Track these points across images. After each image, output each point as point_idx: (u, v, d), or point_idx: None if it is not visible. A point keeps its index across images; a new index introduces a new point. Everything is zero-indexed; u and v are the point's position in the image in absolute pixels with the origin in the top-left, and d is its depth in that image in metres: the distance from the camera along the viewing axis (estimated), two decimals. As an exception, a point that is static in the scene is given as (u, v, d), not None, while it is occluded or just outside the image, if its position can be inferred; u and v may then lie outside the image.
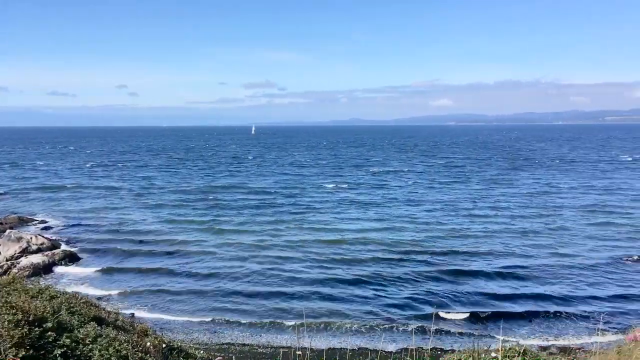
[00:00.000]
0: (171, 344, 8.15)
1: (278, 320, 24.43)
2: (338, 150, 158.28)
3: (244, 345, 22.06)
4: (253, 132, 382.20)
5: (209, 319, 24.86)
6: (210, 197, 58.66)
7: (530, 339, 22.12)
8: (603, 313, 24.72)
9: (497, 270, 31.28)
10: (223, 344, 22.15)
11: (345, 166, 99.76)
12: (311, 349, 18.93)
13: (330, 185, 68.64)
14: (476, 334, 22.14)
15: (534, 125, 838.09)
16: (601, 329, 22.83)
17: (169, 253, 35.91)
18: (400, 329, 23.32)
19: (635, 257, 33.51)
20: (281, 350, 20.57)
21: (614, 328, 22.16)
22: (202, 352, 9.65)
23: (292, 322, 23.61)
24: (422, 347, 19.50)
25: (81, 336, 5.76)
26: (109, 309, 9.19)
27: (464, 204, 52.90)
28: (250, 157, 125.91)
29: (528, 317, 24.89)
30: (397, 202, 54.64)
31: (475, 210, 49.49)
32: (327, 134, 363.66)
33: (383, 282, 29.13)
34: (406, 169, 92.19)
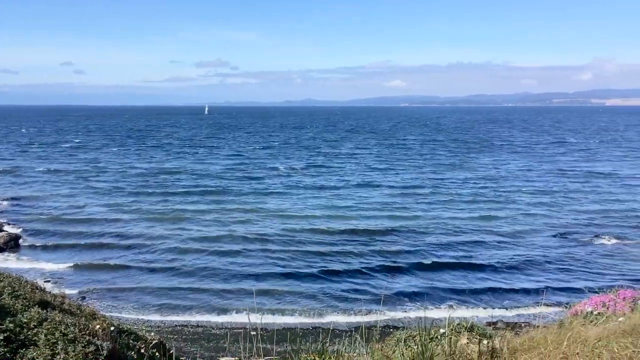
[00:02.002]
0: (121, 327, 8.01)
1: (233, 302, 24.36)
2: (292, 131, 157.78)
3: (197, 326, 21.96)
4: (207, 112, 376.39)
5: (162, 301, 24.57)
6: (161, 180, 57.23)
7: (478, 313, 22.78)
8: (547, 289, 25.72)
9: (449, 250, 32.02)
10: (176, 325, 22.00)
11: (299, 148, 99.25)
12: (265, 328, 19.00)
13: (284, 167, 68.25)
14: (427, 311, 22.70)
15: (484, 107, 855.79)
16: (544, 304, 23.75)
17: (119, 235, 35.20)
18: (355, 309, 23.59)
19: (579, 237, 34.85)
20: (235, 330, 20.60)
21: (558, 303, 23.02)
22: (153, 334, 9.52)
23: (246, 304, 23.57)
24: (373, 326, 19.86)
25: (25, 320, 5.58)
26: (55, 293, 8.95)
27: (418, 187, 53.46)
28: (203, 138, 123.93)
29: (476, 294, 25.67)
30: (351, 185, 54.66)
31: (430, 192, 50.15)
32: (281, 115, 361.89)
33: (337, 265, 29.33)
34: (360, 151, 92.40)
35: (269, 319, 21.92)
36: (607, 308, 9.97)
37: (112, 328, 7.36)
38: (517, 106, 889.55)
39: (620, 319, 8.58)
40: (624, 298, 10.37)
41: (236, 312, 23.06)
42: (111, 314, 17.44)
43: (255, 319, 18.26)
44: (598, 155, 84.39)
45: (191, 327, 21.80)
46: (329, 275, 27.78)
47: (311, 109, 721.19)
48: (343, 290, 25.75)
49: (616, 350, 4.81)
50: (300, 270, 28.36)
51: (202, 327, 21.92)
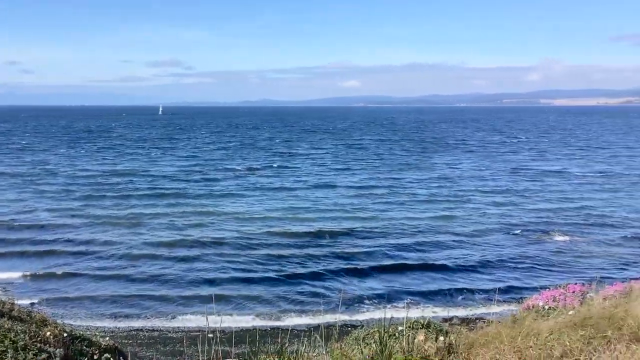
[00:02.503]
0: (73, 333, 7.79)
1: (190, 307, 24.01)
2: (248, 131, 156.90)
3: (153, 330, 21.55)
4: (160, 112, 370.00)
5: (117, 309, 23.94)
6: (113, 183, 55.65)
7: (435, 311, 23.14)
8: (501, 285, 26.40)
9: (406, 250, 32.37)
10: (131, 330, 21.52)
11: (256, 148, 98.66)
12: (223, 331, 18.81)
13: (241, 169, 67.61)
14: (385, 310, 22.90)
15: (438, 107, 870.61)
16: (499, 300, 24.32)
17: (70, 241, 33.94)
18: (314, 309, 23.57)
19: (531, 234, 35.84)
20: (193, 333, 20.32)
21: (512, 299, 23.55)
22: (107, 339, 9.28)
23: (204, 309, 23.23)
24: (332, 326, 19.93)
25: (-29, 329, 5.36)
26: (3, 299, 8.62)
27: (375, 187, 53.66)
28: (157, 139, 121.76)
29: (434, 292, 26.10)
30: (309, 186, 54.47)
31: (387, 193, 50.40)
32: (237, 115, 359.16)
33: (296, 268, 29.21)
34: (316, 151, 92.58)
35: (227, 322, 21.70)
36: (558, 302, 10.30)
37: (64, 334, 7.16)
38: (470, 106, 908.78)
39: (571, 312, 8.87)
40: (574, 292, 10.73)
41: (193, 316, 22.75)
42: (63, 320, 16.93)
43: (213, 322, 18.05)
44: (548, 154, 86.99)
45: (147, 332, 21.37)
46: (287, 278, 27.59)
47: (268, 109, 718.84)
48: (302, 293, 25.71)
49: (567, 343, 4.97)
50: (258, 274, 28.04)
51: (158, 331, 21.52)
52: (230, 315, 22.94)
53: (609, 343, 5.35)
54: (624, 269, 28.41)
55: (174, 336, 20.78)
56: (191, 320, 22.41)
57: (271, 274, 28.03)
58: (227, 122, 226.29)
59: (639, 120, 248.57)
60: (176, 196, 48.65)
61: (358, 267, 29.20)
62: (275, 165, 71.72)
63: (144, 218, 39.88)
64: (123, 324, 22.20)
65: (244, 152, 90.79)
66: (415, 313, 21.94)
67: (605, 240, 34.39)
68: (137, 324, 22.31)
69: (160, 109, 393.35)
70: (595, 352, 5.07)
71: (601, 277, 22.48)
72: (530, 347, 4.82)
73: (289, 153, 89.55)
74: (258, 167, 69.74)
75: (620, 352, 5.07)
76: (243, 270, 28.73)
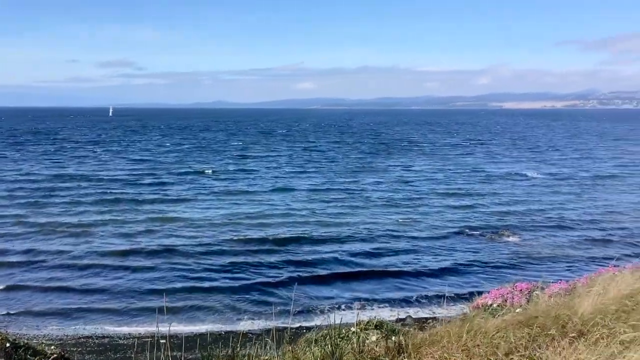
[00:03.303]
0: (17, 342, 7.51)
1: (141, 313, 23.51)
2: (202, 134, 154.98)
3: (103, 337, 21.00)
4: (111, 113, 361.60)
5: (65, 317, 23.21)
6: (60, 188, 53.50)
7: (389, 313, 23.38)
8: (455, 285, 26.98)
9: (361, 253, 32.55)
10: (80, 337, 20.90)
11: (210, 151, 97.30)
12: (175, 336, 18.52)
13: (194, 172, 66.49)
14: (338, 311, 23.02)
15: (392, 109, 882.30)
16: (450, 299, 24.78)
17: (12, 251, 32.42)
18: (267, 313, 23.42)
19: (484, 236, 36.71)
20: (144, 339, 19.90)
21: (464, 298, 23.99)
22: (53, 347, 8.99)
23: (155, 314, 22.71)
24: (286, 327, 19.89)
25: None
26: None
27: (332, 191, 53.40)
28: (108, 141, 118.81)
29: (388, 293, 26.41)
30: (264, 190, 53.71)
31: (344, 197, 50.21)
32: (190, 116, 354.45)
33: (250, 275, 28.90)
34: (271, 154, 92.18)
35: (178, 328, 21.39)
36: (506, 300, 10.61)
37: (7, 344, 6.92)
38: (422, 109, 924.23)
39: (518, 309, 9.12)
40: (521, 290, 11.07)
41: (144, 323, 22.27)
42: (7, 330, 16.31)
43: (165, 328, 17.74)
44: (500, 157, 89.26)
45: (96, 339, 20.80)
46: (241, 284, 27.14)
47: (221, 110, 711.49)
48: (255, 299, 25.41)
49: (513, 341, 5.11)
50: (212, 282, 27.34)
51: (108, 337, 20.98)
52: (183, 321, 22.61)
53: (553, 340, 5.53)
54: (570, 268, 29.38)
55: (125, 343, 20.30)
56: (143, 327, 21.94)
57: (225, 281, 27.55)
58: (180, 124, 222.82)
59: (584, 122, 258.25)
60: (127, 202, 47.04)
61: (313, 272, 29.00)
62: (230, 169, 70.90)
63: (94, 225, 38.37)
64: (71, 332, 21.55)
65: (198, 155, 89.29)
66: (370, 315, 22.11)
67: (554, 241, 35.52)
68: (86, 331, 21.69)
69: (111, 110, 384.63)
70: (539, 348, 5.23)
71: (548, 276, 23.25)
72: (477, 345, 4.94)
73: (244, 156, 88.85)
74: (212, 170, 68.55)
75: (564, 349, 5.24)
76: (196, 278, 27.89)
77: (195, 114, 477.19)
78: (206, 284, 27.18)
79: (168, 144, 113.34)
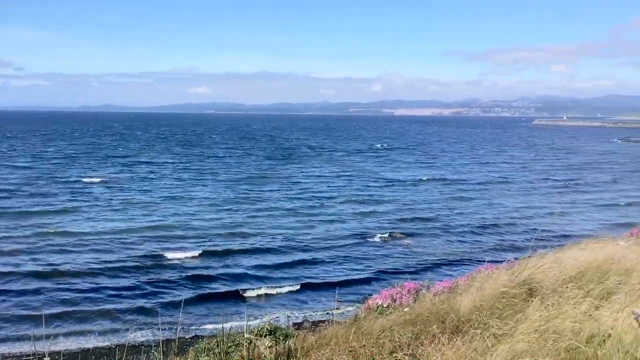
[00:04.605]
0: None
1: (23, 328, 21.93)
2: (90, 139, 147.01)
3: (-24, 361, 19.39)
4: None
5: None
6: None
7: (285, 317, 23.50)
8: (349, 287, 27.68)
9: (257, 259, 32.59)
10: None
11: (98, 158, 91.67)
12: (59, 353, 17.47)
13: (81, 181, 62.20)
14: (236, 318, 22.78)
15: (289, 115, 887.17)
16: (346, 302, 25.35)
17: None
18: (159, 323, 22.58)
19: (378, 238, 37.98)
20: (25, 357, 18.62)
21: (357, 300, 24.56)
22: None
23: (40, 329, 21.17)
24: (182, 337, 19.42)
25: None
26: None
27: (231, 200, 52.03)
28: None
29: (285, 298, 26.62)
30: (158, 200, 50.99)
31: (240, 206, 48.89)
32: (78, 120, 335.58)
33: (143, 282, 27.96)
34: (165, 161, 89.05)
35: (63, 345, 20.20)
36: (395, 300, 11.03)
37: None
38: (319, 114, 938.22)
39: (406, 309, 9.51)
40: (409, 290, 11.56)
41: (29, 339, 20.73)
42: None
43: (45, 347, 16.67)
44: (393, 162, 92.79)
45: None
46: (127, 299, 25.98)
47: (111, 114, 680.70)
48: (146, 314, 24.52)
49: (397, 339, 5.35)
50: (101, 303, 25.59)
51: (-18, 361, 19.40)
52: (67, 336, 21.36)
53: (434, 336, 5.84)
54: (458, 267, 31.06)
55: (3, 364, 18.88)
56: (21, 346, 20.42)
57: (115, 299, 25.93)
58: (66, 128, 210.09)
59: (471, 129, 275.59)
60: (5, 215, 42.60)
61: (209, 286, 28.22)
62: (121, 176, 67.53)
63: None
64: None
65: (85, 162, 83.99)
66: (267, 320, 22.07)
67: (444, 242, 37.56)
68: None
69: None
70: (422, 345, 5.51)
71: (435, 276, 24.41)
72: (364, 345, 5.13)
73: (136, 162, 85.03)
74: (101, 178, 64.64)
75: (444, 344, 5.56)
76: (84, 298, 26.01)
77: (82, 117, 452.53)
78: (94, 303, 25.44)
79: (53, 150, 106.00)
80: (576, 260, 9.41)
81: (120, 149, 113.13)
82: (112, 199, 50.90)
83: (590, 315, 6.58)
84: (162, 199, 51.98)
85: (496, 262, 14.25)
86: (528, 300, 6.95)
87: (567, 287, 7.65)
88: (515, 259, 12.23)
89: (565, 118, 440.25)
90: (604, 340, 5.79)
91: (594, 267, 8.70)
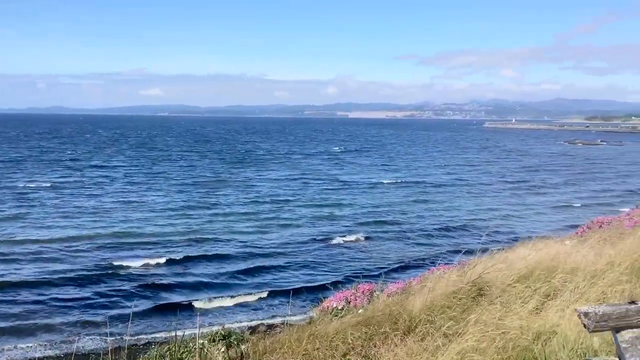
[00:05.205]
0: None
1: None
2: (37, 142, 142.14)
3: None
4: None
5: None
6: None
7: (239, 323, 23.29)
8: (306, 291, 27.63)
9: (214, 265, 32.16)
10: None
11: (44, 161, 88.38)
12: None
13: (24, 185, 59.86)
14: (190, 325, 22.44)
15: (244, 117, 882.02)
16: (302, 305, 25.31)
17: None
18: (104, 331, 21.99)
19: (336, 240, 38.18)
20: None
21: (313, 303, 24.49)
22: None
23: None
24: (135, 345, 19.01)
25: None
26: None
27: (185, 204, 50.95)
28: None
29: (240, 302, 26.44)
30: (105, 207, 48.39)
31: (198, 211, 47.74)
32: (23, 123, 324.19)
33: (94, 293, 27.09)
34: (115, 164, 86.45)
35: (6, 356, 19.47)
36: (349, 302, 11.09)
37: None
38: (274, 117, 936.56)
39: (360, 310, 9.59)
40: (363, 292, 11.64)
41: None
42: None
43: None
44: (350, 165, 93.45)
45: None
46: (76, 308, 25.24)
47: (60, 116, 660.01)
48: (91, 317, 23.95)
49: (350, 341, 5.39)
50: (44, 318, 24.27)
51: None
52: (12, 351, 20.56)
53: (387, 337, 5.91)
54: (410, 268, 31.47)
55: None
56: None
57: (60, 310, 24.84)
58: (10, 131, 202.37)
59: (423, 132, 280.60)
60: None
61: (162, 295, 27.49)
62: (70, 180, 65.46)
63: None
64: None
65: (31, 166, 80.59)
66: (222, 323, 21.83)
67: (400, 243, 38.03)
68: None
69: None
70: (374, 347, 5.57)
71: (390, 277, 24.67)
72: (317, 348, 5.15)
73: (86, 166, 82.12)
74: (45, 183, 61.93)
75: (396, 345, 5.63)
76: (27, 312, 24.64)
77: (29, 119, 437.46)
78: (41, 315, 24.31)
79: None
80: (524, 260, 9.69)
81: (70, 152, 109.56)
82: (61, 205, 48.83)
83: (537, 313, 6.79)
84: (114, 204, 50.21)
85: (449, 263, 14.55)
86: (478, 300, 7.12)
87: (515, 286, 7.87)
88: (467, 259, 12.49)
89: (514, 121, 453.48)
90: (550, 337, 5.98)
91: (541, 267, 8.97)
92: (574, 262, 9.42)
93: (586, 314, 4.25)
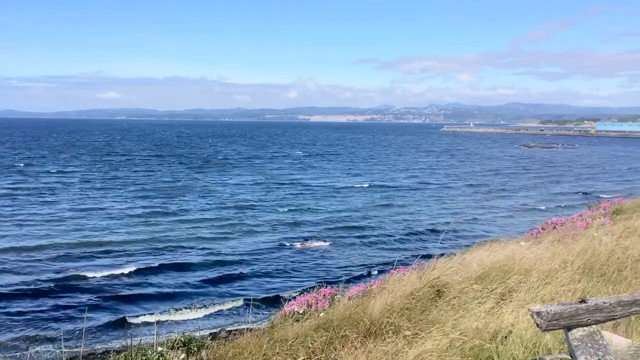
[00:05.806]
0: None
1: None
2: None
3: None
4: None
5: None
6: None
7: (203, 328, 23.00)
8: (269, 295, 27.50)
9: (176, 277, 31.63)
10: None
11: None
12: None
13: None
14: (149, 333, 22.06)
15: (203, 121, 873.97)
16: (262, 309, 25.22)
17: None
18: (60, 345, 21.32)
19: (297, 244, 38.12)
20: None
21: (275, 307, 24.43)
22: None
23: None
24: (92, 354, 18.57)
25: None
26: None
27: (144, 209, 49.93)
28: None
29: (201, 308, 26.04)
30: (63, 216, 46.27)
31: (158, 217, 46.58)
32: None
33: (50, 306, 26.24)
34: (72, 170, 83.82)
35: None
36: (311, 306, 11.10)
37: None
38: (234, 121, 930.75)
39: (322, 314, 9.61)
40: (325, 295, 11.67)
41: None
42: None
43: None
44: (312, 168, 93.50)
45: None
46: (28, 331, 24.53)
47: (12, 120, 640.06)
48: (51, 323, 23.36)
49: (311, 345, 5.41)
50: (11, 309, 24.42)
51: None
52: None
53: (347, 340, 5.95)
54: (374, 271, 31.68)
55: None
56: None
57: (12, 324, 24.21)
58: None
59: (384, 135, 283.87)
60: None
61: (119, 303, 26.82)
62: (17, 187, 63.22)
63: None
64: None
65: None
66: (182, 329, 21.54)
67: (361, 247, 38.17)
68: None
69: None
70: (335, 350, 5.60)
71: (353, 280, 24.79)
72: (277, 353, 5.15)
73: (40, 172, 79.58)
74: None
75: (356, 348, 5.67)
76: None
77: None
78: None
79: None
80: (481, 261, 9.90)
81: (23, 157, 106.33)
82: (12, 214, 46.72)
83: (493, 313, 6.95)
84: (71, 211, 48.31)
85: (408, 265, 14.72)
86: (436, 301, 7.23)
87: (472, 287, 8.04)
88: (427, 262, 12.65)
89: (472, 125, 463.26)
90: (506, 337, 6.13)
91: (497, 267, 9.18)
92: (528, 263, 9.67)
93: (539, 314, 4.37)
